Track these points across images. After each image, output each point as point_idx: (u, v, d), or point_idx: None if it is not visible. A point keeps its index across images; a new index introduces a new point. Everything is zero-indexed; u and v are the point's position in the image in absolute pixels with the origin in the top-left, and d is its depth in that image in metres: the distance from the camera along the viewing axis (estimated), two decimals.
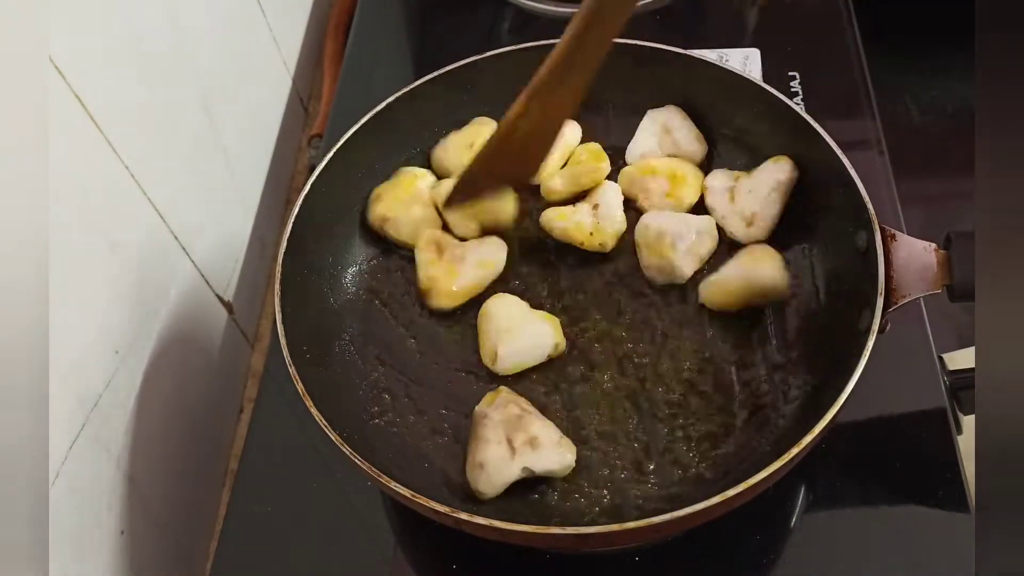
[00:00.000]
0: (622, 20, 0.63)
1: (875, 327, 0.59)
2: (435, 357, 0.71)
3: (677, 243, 0.71)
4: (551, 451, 0.61)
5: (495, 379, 0.68)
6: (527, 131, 0.64)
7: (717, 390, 0.67)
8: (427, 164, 0.80)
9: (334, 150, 0.73)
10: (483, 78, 0.79)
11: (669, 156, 0.78)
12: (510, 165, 0.68)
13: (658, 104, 0.79)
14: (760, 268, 0.69)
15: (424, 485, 0.63)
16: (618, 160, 0.79)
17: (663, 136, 0.78)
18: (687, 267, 0.71)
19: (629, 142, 0.80)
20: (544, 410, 0.66)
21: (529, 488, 0.63)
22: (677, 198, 0.75)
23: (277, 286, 0.66)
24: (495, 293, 0.72)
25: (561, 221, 0.74)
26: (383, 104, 0.76)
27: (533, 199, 0.78)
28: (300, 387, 0.61)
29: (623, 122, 0.81)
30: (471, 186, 0.68)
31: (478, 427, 0.63)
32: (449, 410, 0.68)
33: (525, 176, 0.73)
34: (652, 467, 0.63)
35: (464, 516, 0.55)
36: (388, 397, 0.69)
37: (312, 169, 0.72)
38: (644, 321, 0.71)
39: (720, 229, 0.73)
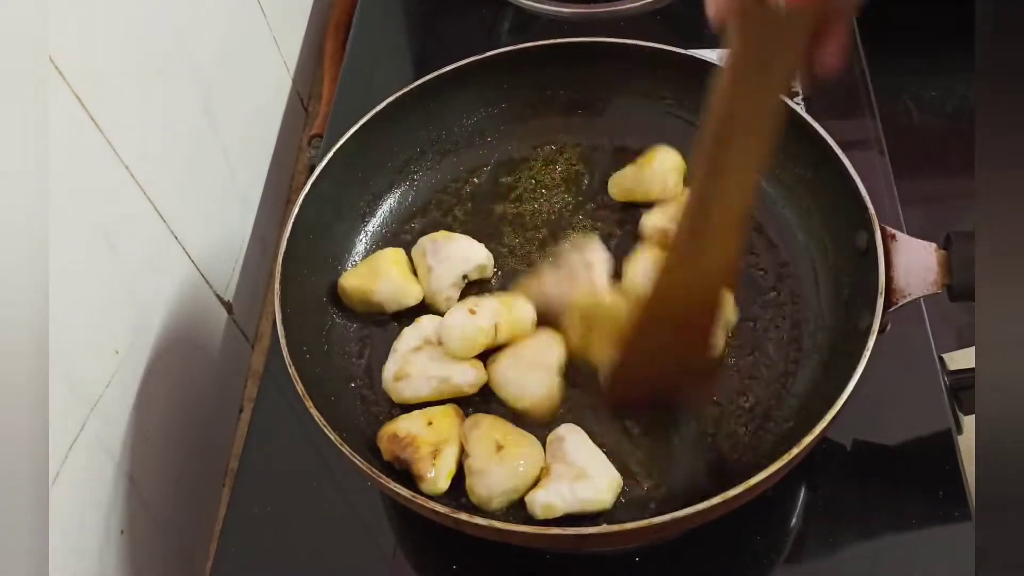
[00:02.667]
0: (761, 143, 0.52)
1: (875, 327, 0.59)
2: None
3: None
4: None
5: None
6: (677, 316, 0.56)
7: (718, 391, 0.67)
8: (425, 164, 0.81)
9: (334, 150, 0.73)
10: (483, 78, 0.79)
11: None
12: (675, 337, 0.58)
13: (658, 105, 0.80)
14: None
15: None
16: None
17: None
18: None
19: (629, 142, 0.80)
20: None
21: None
22: None
23: (277, 286, 0.66)
24: None
25: None
26: (383, 104, 0.76)
27: None
28: (300, 387, 0.61)
29: (623, 122, 0.81)
30: (630, 376, 0.59)
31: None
32: None
33: (702, 349, 0.61)
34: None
35: (464, 516, 0.55)
36: (388, 397, 0.69)
37: (312, 169, 0.73)
38: None
39: None
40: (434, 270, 0.71)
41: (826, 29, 0.48)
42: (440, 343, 0.67)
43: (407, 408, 0.67)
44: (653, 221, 0.73)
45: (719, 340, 0.63)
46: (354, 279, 0.72)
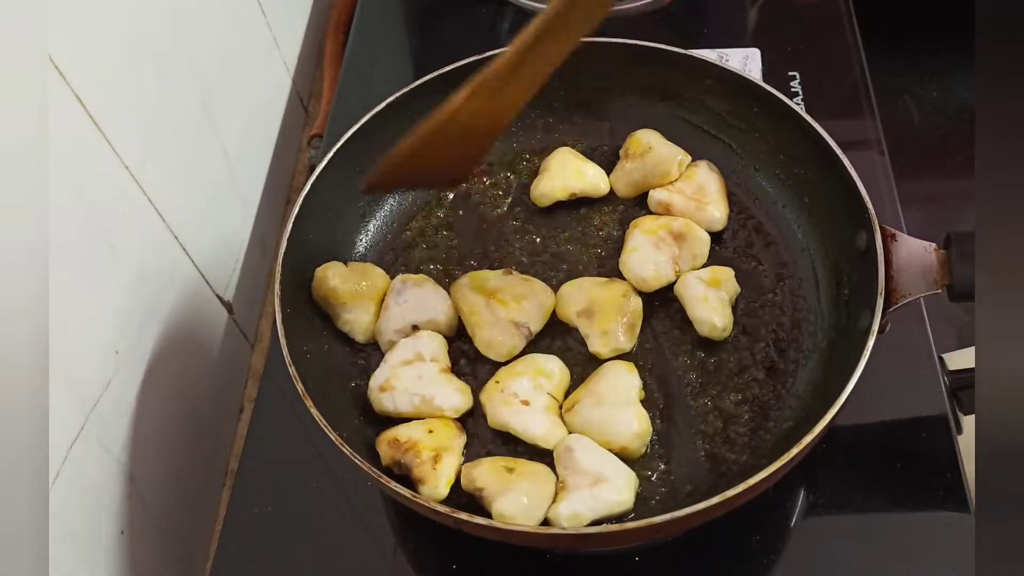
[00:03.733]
0: (588, 27, 0.62)
1: (875, 327, 0.59)
2: None
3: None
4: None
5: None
6: (466, 125, 0.61)
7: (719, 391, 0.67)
8: None
9: (334, 150, 0.73)
10: None
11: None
12: (443, 159, 0.64)
13: (658, 105, 0.80)
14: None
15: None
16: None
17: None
18: None
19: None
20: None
21: None
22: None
23: (277, 286, 0.66)
24: None
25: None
26: (383, 104, 0.76)
27: None
28: (300, 387, 0.61)
29: (623, 122, 0.81)
30: (396, 174, 0.64)
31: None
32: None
33: (457, 174, 0.69)
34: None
35: (464, 516, 0.55)
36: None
37: (312, 169, 0.73)
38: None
39: None
40: (390, 310, 0.70)
41: None
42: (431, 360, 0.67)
43: (393, 421, 0.66)
44: (660, 196, 0.75)
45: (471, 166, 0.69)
46: (336, 279, 0.70)
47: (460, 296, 0.70)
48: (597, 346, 0.68)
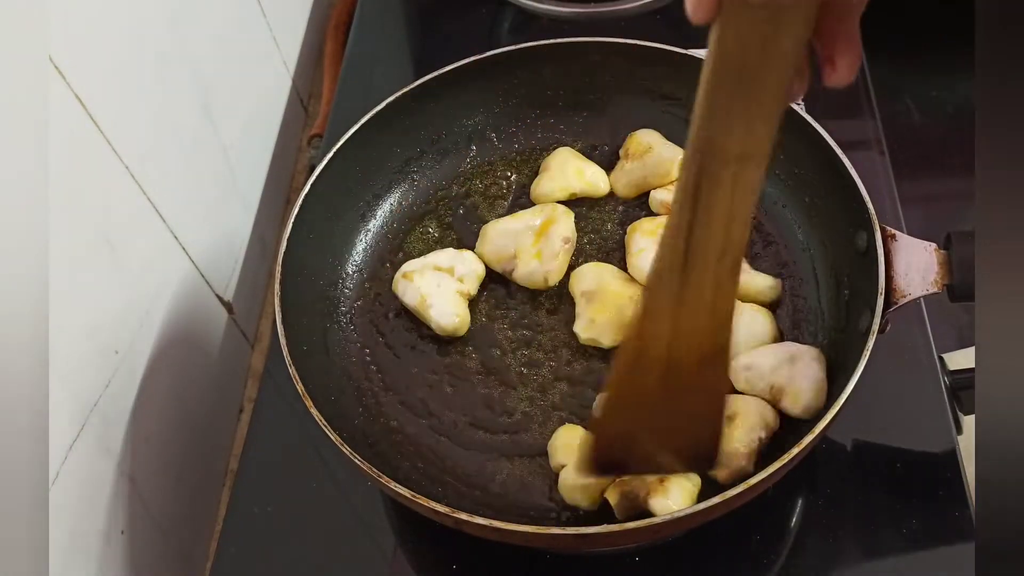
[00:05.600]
0: (758, 168, 0.44)
1: (875, 327, 0.59)
2: (434, 355, 0.71)
3: None
4: None
5: (495, 379, 0.69)
6: (668, 363, 0.48)
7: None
8: (425, 164, 0.80)
9: (334, 150, 0.73)
10: (483, 78, 0.79)
11: None
12: (670, 428, 0.51)
13: (658, 105, 0.80)
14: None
15: (424, 485, 0.63)
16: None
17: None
18: None
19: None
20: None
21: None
22: None
23: (277, 286, 0.66)
24: None
25: None
26: (383, 104, 0.76)
27: None
28: (300, 387, 0.61)
29: (623, 122, 0.81)
30: (607, 454, 0.52)
31: None
32: (450, 410, 0.68)
33: (701, 449, 0.54)
34: None
35: (464, 516, 0.55)
36: (388, 397, 0.69)
37: (312, 169, 0.73)
38: None
39: None
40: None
41: (831, 29, 0.42)
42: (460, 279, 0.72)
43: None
44: (662, 197, 0.75)
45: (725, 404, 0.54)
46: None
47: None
48: (578, 327, 0.69)
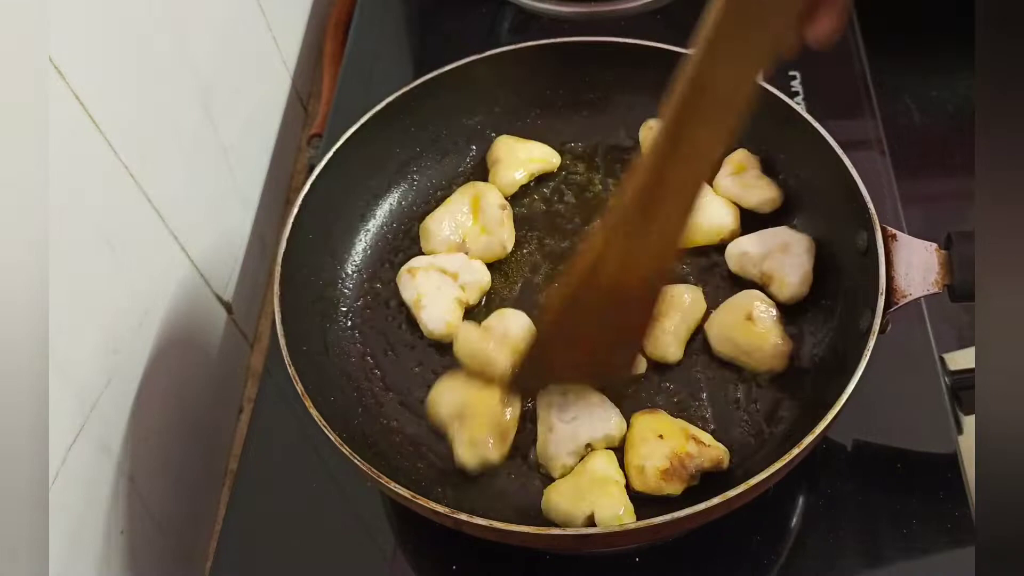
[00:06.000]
0: (743, 100, 0.47)
1: (876, 327, 0.59)
2: (434, 355, 0.71)
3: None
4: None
5: None
6: (612, 286, 0.50)
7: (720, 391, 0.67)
8: (425, 164, 0.80)
9: (334, 150, 0.73)
10: (483, 78, 0.79)
11: None
12: (596, 341, 0.53)
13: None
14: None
15: (424, 485, 0.63)
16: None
17: None
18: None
19: (629, 141, 0.80)
20: None
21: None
22: None
23: (277, 286, 0.66)
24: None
25: None
26: (383, 104, 0.76)
27: None
28: (300, 387, 0.61)
29: (624, 121, 0.81)
30: (540, 366, 0.54)
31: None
32: None
33: (620, 359, 0.56)
34: None
35: (464, 516, 0.55)
36: (388, 397, 0.69)
37: (312, 169, 0.72)
38: None
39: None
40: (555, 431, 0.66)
41: None
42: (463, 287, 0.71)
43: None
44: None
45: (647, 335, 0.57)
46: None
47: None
48: (463, 454, 0.63)
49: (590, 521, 0.58)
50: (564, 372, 0.57)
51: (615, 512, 0.58)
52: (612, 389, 0.61)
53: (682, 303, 0.68)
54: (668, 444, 0.61)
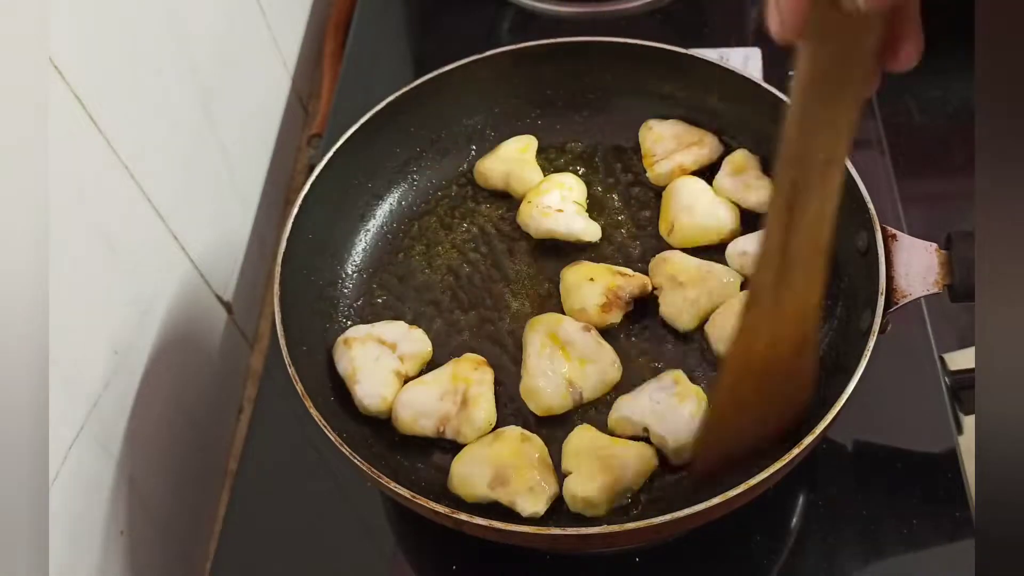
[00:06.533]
0: (839, 168, 0.47)
1: (876, 327, 0.59)
2: (434, 356, 0.71)
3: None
4: None
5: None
6: (768, 358, 0.51)
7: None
8: (425, 164, 0.80)
9: (334, 150, 0.73)
10: (483, 78, 0.79)
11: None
12: (767, 411, 0.54)
13: (658, 104, 0.80)
14: None
15: (424, 486, 0.63)
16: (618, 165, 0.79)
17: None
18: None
19: (629, 141, 0.80)
20: None
21: None
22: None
23: (277, 286, 0.66)
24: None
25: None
26: (383, 104, 0.76)
27: None
28: (300, 387, 0.61)
29: (624, 123, 0.81)
30: (720, 455, 0.55)
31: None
32: None
33: (791, 422, 0.57)
34: None
35: (464, 516, 0.55)
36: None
37: (312, 169, 0.72)
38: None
39: None
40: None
41: (897, 24, 0.44)
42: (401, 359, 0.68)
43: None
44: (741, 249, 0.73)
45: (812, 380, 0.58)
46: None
47: (529, 332, 0.68)
48: (531, 507, 0.60)
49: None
50: (747, 454, 0.57)
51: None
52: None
53: (712, 280, 0.69)
54: (599, 284, 0.69)
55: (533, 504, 0.60)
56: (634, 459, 0.61)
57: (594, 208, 0.78)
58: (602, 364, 0.66)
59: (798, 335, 0.53)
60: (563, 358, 0.66)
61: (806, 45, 0.41)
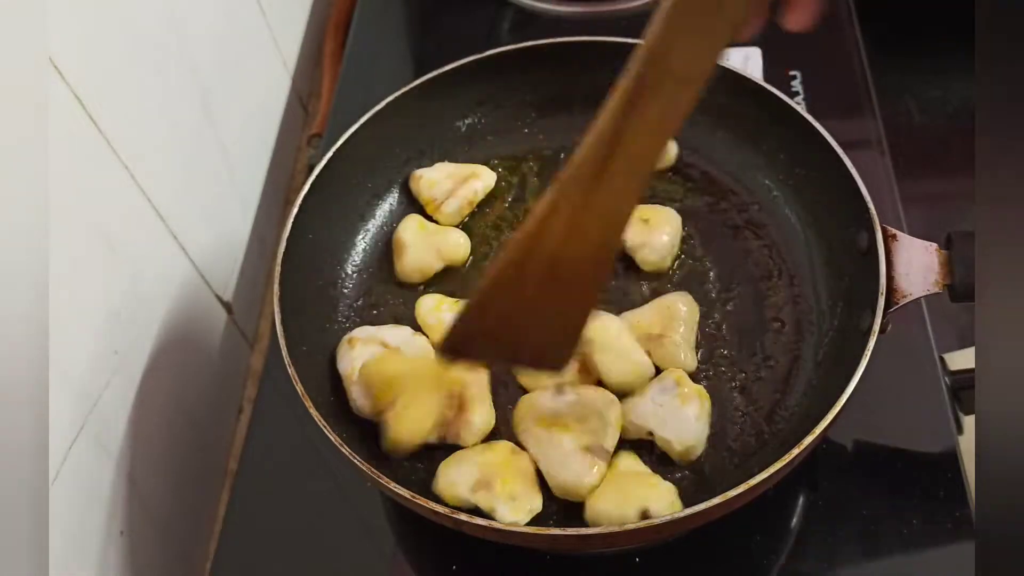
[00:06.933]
0: (693, 91, 0.46)
1: (876, 327, 0.59)
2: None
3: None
4: None
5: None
6: (556, 255, 0.48)
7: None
8: (425, 164, 0.80)
9: (334, 150, 0.73)
10: (483, 78, 0.79)
11: None
12: (534, 319, 0.51)
13: None
14: None
15: (424, 486, 0.63)
16: None
17: None
18: None
19: None
20: None
21: None
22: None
23: (277, 286, 0.66)
24: None
25: None
26: (383, 104, 0.76)
27: None
28: (300, 387, 0.61)
29: None
30: (473, 336, 0.52)
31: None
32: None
33: (557, 348, 0.54)
34: None
35: (464, 516, 0.55)
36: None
37: (312, 169, 0.72)
38: None
39: None
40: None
41: None
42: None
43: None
44: None
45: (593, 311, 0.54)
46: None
47: (523, 434, 0.63)
48: (510, 514, 0.59)
49: (644, 516, 0.57)
50: (492, 349, 0.54)
51: (669, 500, 0.59)
52: (533, 380, 0.60)
53: (679, 312, 0.67)
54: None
55: (513, 512, 0.59)
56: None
57: None
58: (598, 408, 0.63)
59: (597, 238, 0.49)
60: (562, 432, 0.62)
61: None
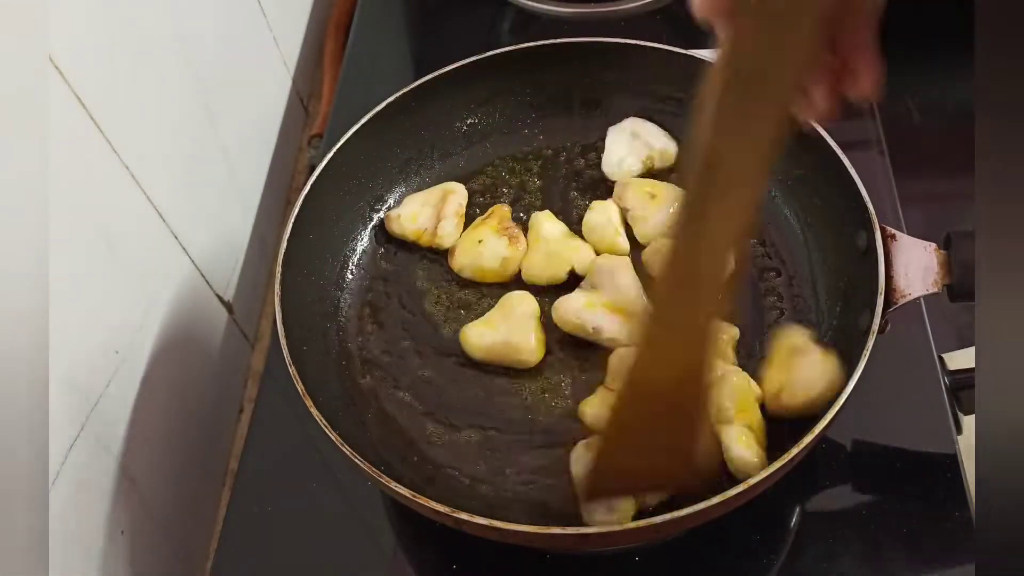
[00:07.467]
0: (747, 199, 0.43)
1: (875, 327, 0.59)
2: (434, 356, 0.71)
3: None
4: None
5: (497, 377, 0.69)
6: (660, 385, 0.48)
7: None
8: (425, 164, 0.81)
9: (334, 150, 0.73)
10: (483, 78, 0.79)
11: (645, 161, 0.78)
12: (659, 442, 0.51)
13: (658, 105, 0.80)
14: None
15: (424, 485, 0.63)
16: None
17: (632, 141, 0.78)
18: None
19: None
20: None
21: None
22: None
23: (277, 287, 0.66)
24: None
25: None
26: (383, 104, 0.76)
27: None
28: (300, 387, 0.61)
29: (623, 121, 0.81)
30: (609, 477, 0.54)
31: None
32: (450, 409, 0.68)
33: (686, 460, 0.53)
34: None
35: (464, 516, 0.55)
36: (388, 397, 0.69)
37: (312, 169, 0.73)
38: None
39: None
40: None
41: (847, 43, 0.42)
42: None
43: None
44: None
45: (706, 423, 0.55)
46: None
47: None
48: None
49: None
50: (631, 483, 0.56)
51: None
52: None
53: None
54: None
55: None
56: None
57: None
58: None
59: (689, 360, 0.48)
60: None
61: (727, 26, 0.39)
